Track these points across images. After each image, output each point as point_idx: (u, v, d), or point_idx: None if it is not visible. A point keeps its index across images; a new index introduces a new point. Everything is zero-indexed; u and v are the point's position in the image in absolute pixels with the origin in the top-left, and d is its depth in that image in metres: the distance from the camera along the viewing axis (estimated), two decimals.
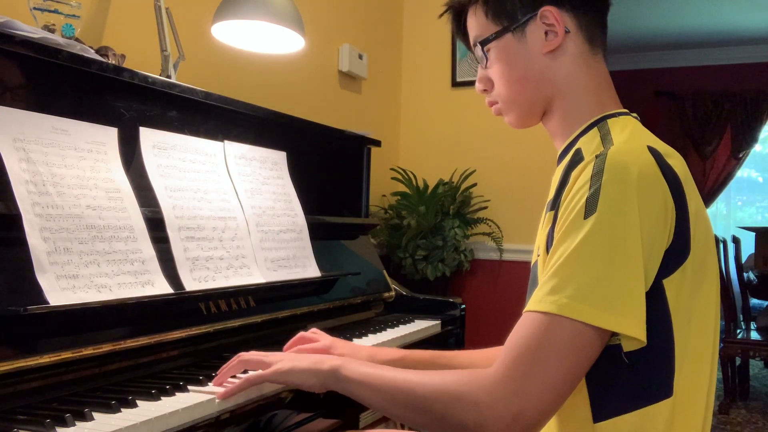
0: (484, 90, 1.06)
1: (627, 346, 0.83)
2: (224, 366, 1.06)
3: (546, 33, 0.98)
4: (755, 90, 6.07)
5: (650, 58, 6.42)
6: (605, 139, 0.92)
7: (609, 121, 0.96)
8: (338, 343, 1.18)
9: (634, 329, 0.79)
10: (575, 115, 0.99)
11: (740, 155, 6.20)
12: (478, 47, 1.03)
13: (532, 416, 0.79)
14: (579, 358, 0.80)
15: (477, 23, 1.03)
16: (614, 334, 0.82)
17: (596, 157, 0.85)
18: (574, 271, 0.80)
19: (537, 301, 0.82)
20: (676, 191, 0.85)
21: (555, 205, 0.90)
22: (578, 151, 0.93)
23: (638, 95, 6.24)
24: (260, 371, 1.01)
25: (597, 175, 0.82)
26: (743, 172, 6.46)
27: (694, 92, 6.28)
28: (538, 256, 0.94)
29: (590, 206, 0.81)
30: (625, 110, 1.00)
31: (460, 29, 1.09)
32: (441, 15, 1.11)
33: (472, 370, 0.85)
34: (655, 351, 0.83)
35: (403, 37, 3.23)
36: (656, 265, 0.82)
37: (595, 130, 0.95)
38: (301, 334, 1.21)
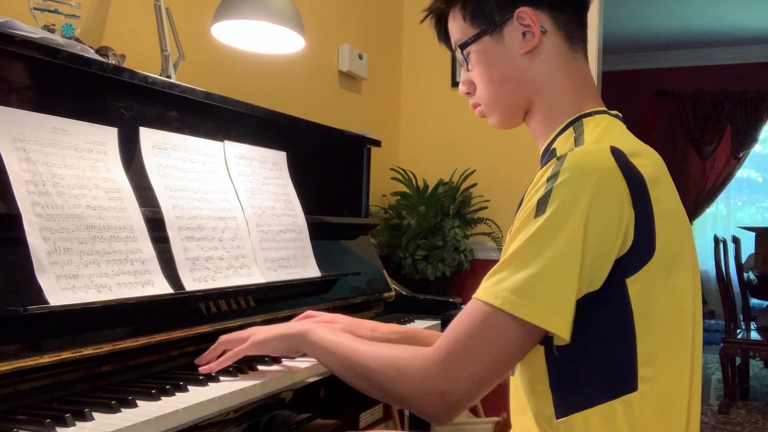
0: (468, 92, 1.07)
1: (558, 341, 0.86)
2: (209, 350, 1.15)
3: (524, 34, 0.98)
4: (755, 90, 6.07)
5: (650, 58, 6.42)
6: (578, 139, 0.93)
7: (584, 120, 0.96)
8: (324, 315, 1.25)
9: (560, 328, 0.82)
10: (555, 114, 1.00)
11: (740, 155, 6.20)
12: (459, 50, 1.04)
13: (457, 397, 0.85)
14: (507, 350, 0.84)
15: (457, 27, 1.04)
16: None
17: (557, 158, 0.86)
18: (516, 266, 0.83)
19: (482, 290, 0.86)
20: (638, 192, 0.85)
21: (520, 203, 0.92)
22: (554, 151, 0.95)
23: (638, 95, 6.24)
24: (239, 346, 1.10)
25: (553, 177, 0.84)
26: (743, 172, 6.46)
27: (694, 92, 6.29)
28: None
29: (541, 206, 0.84)
30: (603, 108, 1.00)
31: (442, 33, 1.10)
32: (422, 20, 1.11)
33: (415, 348, 0.91)
34: (614, 347, 0.85)
35: (403, 37, 3.23)
36: (605, 267, 0.83)
37: (571, 129, 0.96)
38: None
